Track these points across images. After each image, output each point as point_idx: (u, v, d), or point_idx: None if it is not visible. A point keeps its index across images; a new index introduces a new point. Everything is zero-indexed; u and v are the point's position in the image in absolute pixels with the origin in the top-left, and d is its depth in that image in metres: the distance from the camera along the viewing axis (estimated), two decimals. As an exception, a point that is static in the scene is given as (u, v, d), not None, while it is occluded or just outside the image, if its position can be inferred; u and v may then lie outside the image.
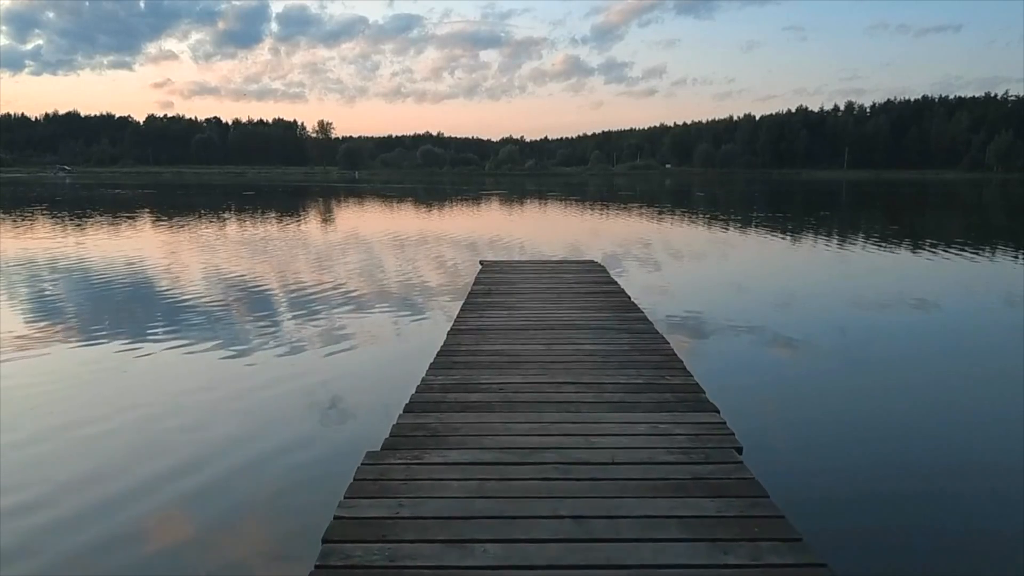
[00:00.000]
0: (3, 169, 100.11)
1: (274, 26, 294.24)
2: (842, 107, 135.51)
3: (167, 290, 10.31)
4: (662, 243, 17.39)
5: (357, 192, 50.42)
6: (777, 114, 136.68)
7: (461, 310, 7.14)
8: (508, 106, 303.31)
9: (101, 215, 26.04)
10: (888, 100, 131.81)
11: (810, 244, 17.59)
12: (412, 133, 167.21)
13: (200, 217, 25.50)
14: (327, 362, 6.37)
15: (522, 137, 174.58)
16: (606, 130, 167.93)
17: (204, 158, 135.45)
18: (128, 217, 25.46)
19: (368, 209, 33.23)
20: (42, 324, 7.97)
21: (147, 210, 29.35)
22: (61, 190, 48.74)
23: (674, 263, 14.02)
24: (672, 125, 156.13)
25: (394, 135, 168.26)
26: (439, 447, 3.53)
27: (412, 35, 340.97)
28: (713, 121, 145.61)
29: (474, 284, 8.90)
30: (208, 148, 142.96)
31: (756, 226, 22.53)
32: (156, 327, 7.87)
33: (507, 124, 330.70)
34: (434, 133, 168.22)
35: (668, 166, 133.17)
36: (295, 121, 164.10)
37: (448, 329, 6.24)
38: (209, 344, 7.06)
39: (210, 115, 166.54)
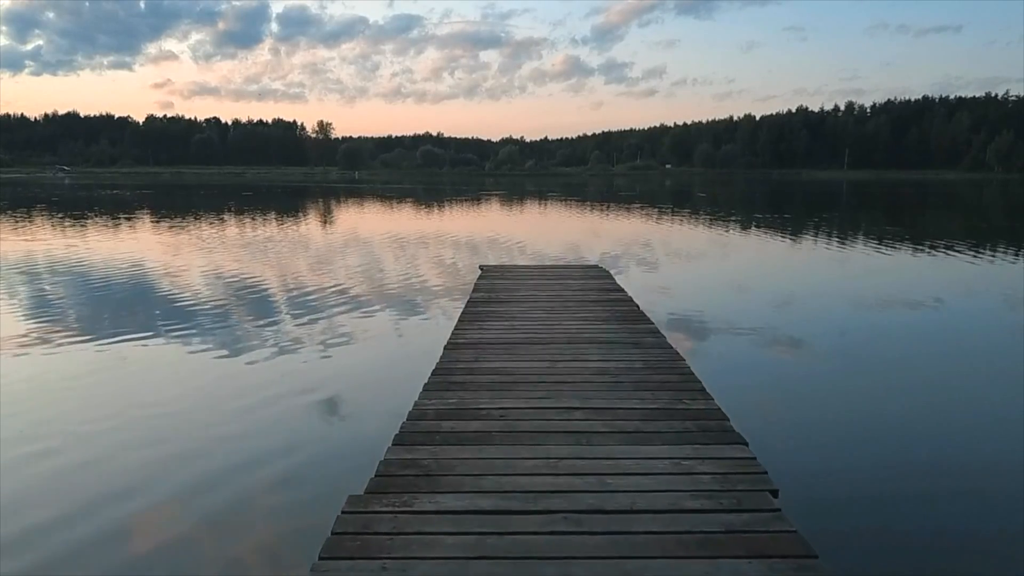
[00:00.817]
0: (2, 170, 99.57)
1: (274, 26, 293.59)
2: (842, 107, 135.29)
3: (152, 292, 10.01)
4: (666, 245, 16.95)
5: (356, 192, 49.95)
6: (777, 114, 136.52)
7: (459, 320, 6.70)
8: (508, 106, 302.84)
9: (97, 216, 25.61)
10: (888, 100, 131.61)
11: (821, 246, 17.11)
12: (412, 133, 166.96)
13: (194, 219, 25.01)
14: (312, 382, 5.84)
15: (522, 137, 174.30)
16: (606, 130, 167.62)
17: (204, 158, 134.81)
18: (123, 218, 24.96)
19: (366, 210, 32.77)
20: (34, 325, 7.85)
21: (143, 211, 28.89)
22: (59, 190, 48.31)
23: (680, 266, 13.60)
24: (672, 125, 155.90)
25: (394, 135, 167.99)
26: (432, 490, 3.09)
27: (412, 35, 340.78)
28: (713, 121, 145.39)
29: (473, 291, 8.47)
30: (208, 148, 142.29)
31: (761, 227, 22.06)
32: (133, 329, 7.54)
33: (507, 124, 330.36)
34: (434, 133, 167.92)
35: (668, 166, 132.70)
36: (295, 121, 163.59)
37: (445, 343, 5.79)
38: (183, 358, 6.65)
39: (210, 115, 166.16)
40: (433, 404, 4.20)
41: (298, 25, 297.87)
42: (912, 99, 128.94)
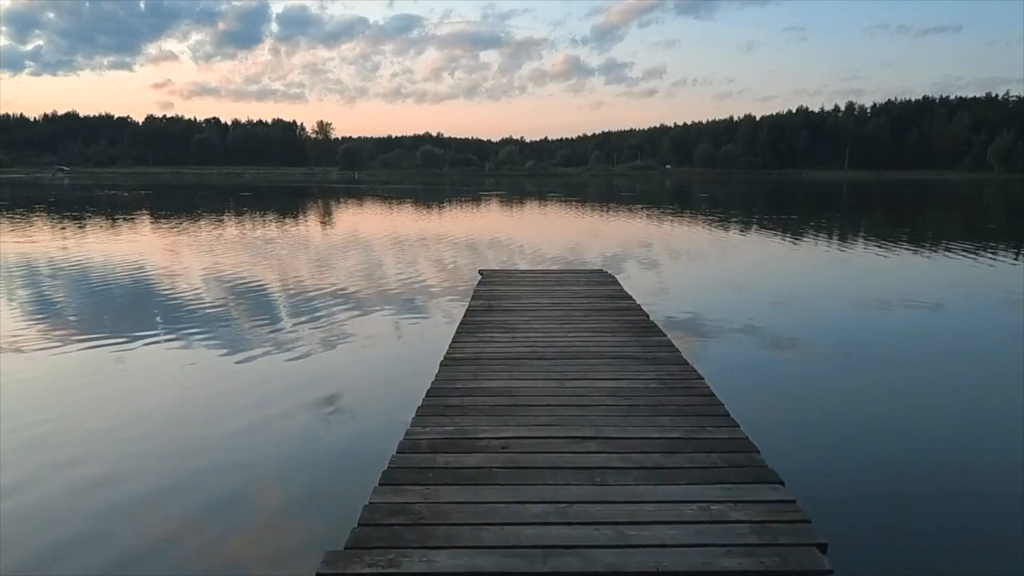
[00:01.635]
0: (1, 170, 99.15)
1: (274, 27, 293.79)
2: (842, 107, 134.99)
3: (137, 296, 9.64)
4: (671, 248, 16.50)
5: (355, 193, 49.48)
6: (777, 114, 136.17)
7: (457, 332, 6.25)
8: (508, 106, 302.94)
9: (94, 217, 25.15)
10: (888, 100, 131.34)
11: (833, 247, 16.63)
12: (412, 133, 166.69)
13: (189, 220, 24.52)
14: (294, 407, 5.20)
15: (522, 138, 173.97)
16: (606, 130, 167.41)
17: (203, 159, 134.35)
18: (119, 219, 24.47)
19: (364, 211, 32.28)
20: (24, 328, 7.72)
21: (140, 212, 28.41)
22: (57, 191, 47.86)
23: (687, 270, 13.14)
24: (672, 125, 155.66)
25: (394, 135, 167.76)
26: (423, 543, 2.65)
27: (412, 35, 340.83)
28: (713, 121, 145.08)
29: (472, 298, 8.03)
30: (207, 149, 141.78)
31: (768, 228, 21.59)
32: (119, 334, 7.17)
33: (507, 124, 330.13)
34: (434, 133, 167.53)
35: (668, 167, 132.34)
36: (294, 122, 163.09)
37: (441, 358, 5.35)
38: (133, 371, 6.21)
39: (210, 116, 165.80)
40: (427, 433, 3.76)
41: (298, 25, 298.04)
42: (912, 99, 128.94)
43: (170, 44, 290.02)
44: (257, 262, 13.32)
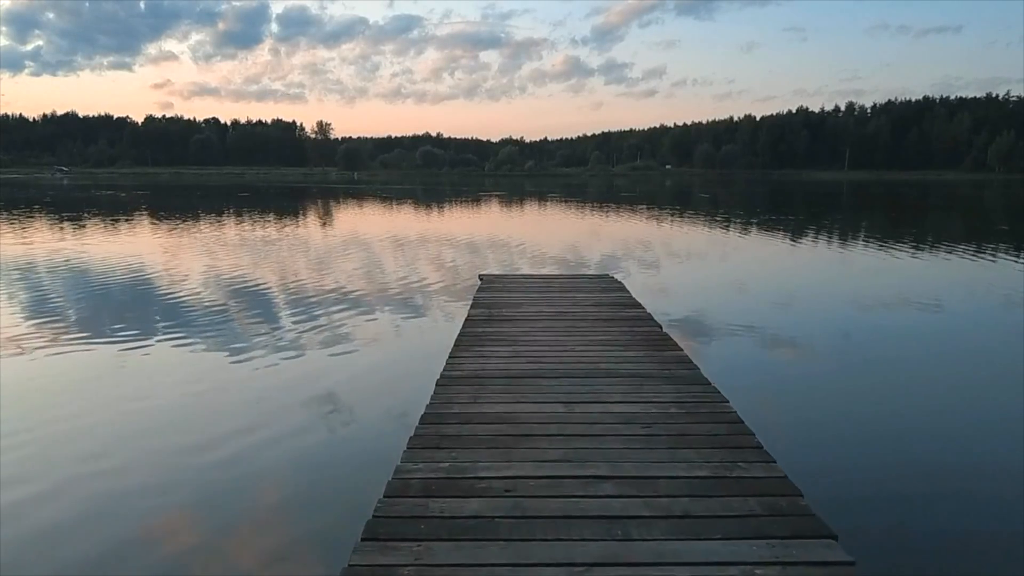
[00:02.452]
0: (0, 170, 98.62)
1: (274, 27, 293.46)
2: (842, 108, 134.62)
3: (131, 298, 9.22)
4: (677, 250, 16.03)
5: (354, 193, 49.02)
6: (777, 115, 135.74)
7: (455, 346, 5.77)
8: (508, 107, 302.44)
9: (91, 217, 24.68)
10: (889, 101, 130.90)
11: (847, 249, 16.18)
12: (412, 134, 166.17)
13: (184, 221, 24.05)
14: (272, 443, 4.53)
15: (522, 138, 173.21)
16: (606, 131, 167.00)
17: (202, 159, 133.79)
18: (115, 219, 23.99)
19: (362, 212, 31.82)
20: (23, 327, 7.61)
21: (138, 212, 27.90)
22: (55, 191, 47.46)
23: (695, 275, 12.66)
24: (672, 126, 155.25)
25: (393, 136, 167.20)
26: (412, 623, 2.19)
27: (412, 36, 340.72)
28: (713, 122, 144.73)
29: (472, 306, 7.56)
30: (207, 149, 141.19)
31: (774, 230, 21.12)
32: (106, 337, 6.81)
33: (507, 125, 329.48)
34: (434, 134, 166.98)
35: (668, 167, 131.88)
36: (294, 122, 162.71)
37: (438, 376, 4.88)
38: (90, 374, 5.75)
39: (209, 116, 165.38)
40: (419, 470, 3.29)
41: (298, 25, 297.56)
42: (912, 99, 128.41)
43: (170, 44, 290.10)
44: (251, 265, 12.83)
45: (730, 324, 8.09)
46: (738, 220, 25.39)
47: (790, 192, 51.81)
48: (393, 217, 28.39)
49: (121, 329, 7.81)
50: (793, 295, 10.47)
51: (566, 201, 39.50)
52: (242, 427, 4.85)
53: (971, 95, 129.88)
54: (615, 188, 61.27)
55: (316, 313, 8.61)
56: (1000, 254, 15.09)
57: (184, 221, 24.01)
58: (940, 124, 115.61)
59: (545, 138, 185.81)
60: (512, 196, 46.27)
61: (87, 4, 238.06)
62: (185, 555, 3.31)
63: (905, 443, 4.69)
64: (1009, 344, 7.44)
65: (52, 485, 3.97)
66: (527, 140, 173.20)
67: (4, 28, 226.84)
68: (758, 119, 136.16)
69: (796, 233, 20.35)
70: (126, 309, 9.15)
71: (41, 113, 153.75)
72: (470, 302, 7.91)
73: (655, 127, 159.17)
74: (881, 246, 16.76)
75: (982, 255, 14.79)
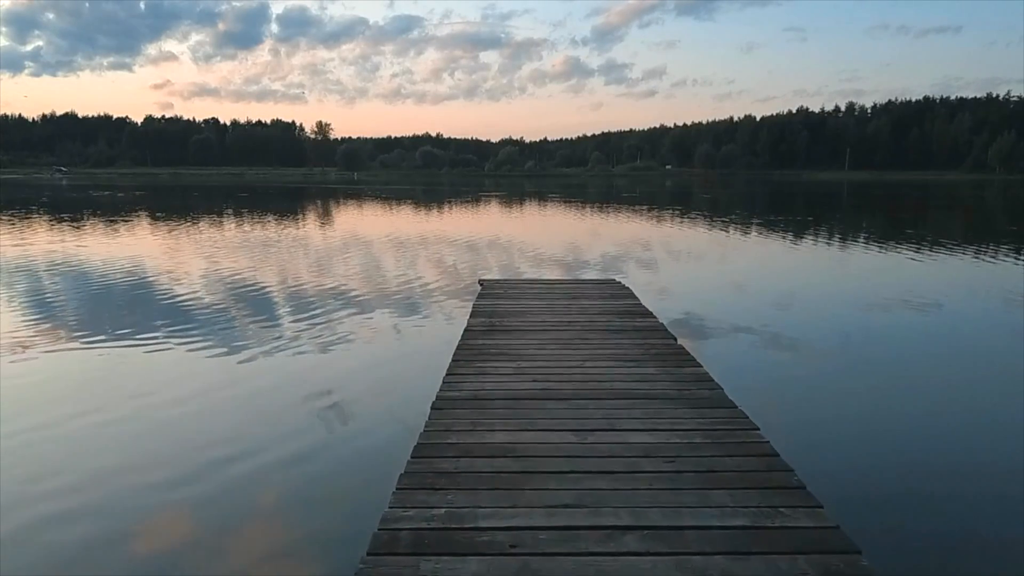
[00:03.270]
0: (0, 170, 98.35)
1: (274, 27, 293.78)
2: (843, 108, 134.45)
3: (127, 300, 8.90)
4: (683, 253, 15.73)
5: (354, 194, 48.69)
6: (777, 115, 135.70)
7: (453, 361, 5.30)
8: (508, 107, 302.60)
9: (89, 218, 24.42)
10: (889, 101, 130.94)
11: (860, 250, 15.79)
12: (411, 134, 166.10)
13: (179, 221, 23.80)
14: (245, 489, 3.94)
15: (522, 138, 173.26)
16: (606, 131, 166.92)
17: (202, 159, 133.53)
18: (113, 220, 23.68)
19: (363, 213, 31.53)
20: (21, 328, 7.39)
21: (136, 212, 27.62)
22: (52, 191, 47.17)
23: (702, 279, 12.28)
24: (672, 126, 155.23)
25: (393, 136, 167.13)
26: None
27: (412, 36, 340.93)
28: (713, 122, 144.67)
29: (471, 315, 7.16)
30: (206, 149, 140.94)
31: (780, 231, 20.84)
32: (97, 337, 6.57)
33: (507, 125, 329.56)
34: (433, 134, 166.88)
35: (668, 167, 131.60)
36: (294, 122, 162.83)
37: (433, 399, 4.43)
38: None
39: (209, 116, 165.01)
40: (410, 518, 2.84)
41: (298, 26, 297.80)
42: (913, 100, 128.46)
43: (170, 45, 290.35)
44: (248, 267, 12.68)
45: (746, 331, 7.67)
46: (741, 221, 25.10)
47: (791, 193, 51.57)
48: (393, 218, 28.05)
49: (121, 329, 7.70)
50: (821, 303, 9.84)
51: (566, 202, 39.20)
52: (221, 456, 4.39)
53: (971, 95, 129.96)
54: (615, 189, 60.95)
55: (314, 314, 8.42)
56: (1001, 254, 15.00)
57: (183, 222, 23.71)
58: (940, 124, 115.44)
59: (545, 138, 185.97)
60: (512, 197, 46.00)
61: (87, 4, 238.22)
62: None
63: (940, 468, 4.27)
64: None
65: (52, 485, 3.94)
66: (527, 140, 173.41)
67: (4, 28, 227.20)
68: (758, 119, 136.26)
69: (797, 234, 20.16)
70: (126, 309, 9.03)
71: (40, 113, 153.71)
72: (469, 308, 7.52)
73: (655, 127, 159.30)
74: (929, 250, 16.32)
75: (982, 255, 14.69)
